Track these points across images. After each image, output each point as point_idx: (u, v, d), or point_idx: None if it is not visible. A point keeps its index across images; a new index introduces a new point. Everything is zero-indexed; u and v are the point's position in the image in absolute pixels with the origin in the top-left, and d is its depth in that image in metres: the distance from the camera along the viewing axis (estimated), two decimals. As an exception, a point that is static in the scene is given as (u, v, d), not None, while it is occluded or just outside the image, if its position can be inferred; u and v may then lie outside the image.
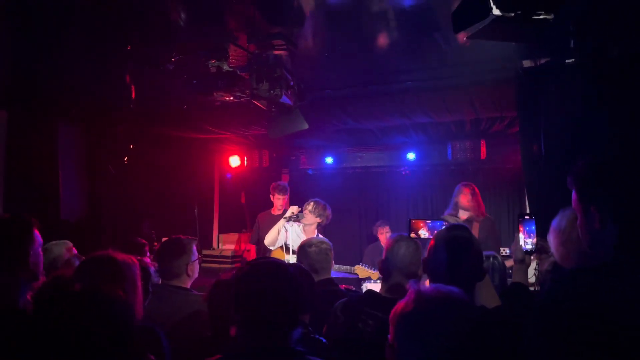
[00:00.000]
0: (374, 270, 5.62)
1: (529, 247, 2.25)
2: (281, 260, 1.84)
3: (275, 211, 5.86)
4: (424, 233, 2.56)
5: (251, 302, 1.63)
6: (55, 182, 5.18)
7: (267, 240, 5.05)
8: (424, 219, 2.68)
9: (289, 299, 1.64)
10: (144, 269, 2.28)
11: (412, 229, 2.57)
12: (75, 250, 3.61)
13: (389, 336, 1.43)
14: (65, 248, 3.54)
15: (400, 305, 1.42)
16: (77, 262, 3.44)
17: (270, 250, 5.27)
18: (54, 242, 3.59)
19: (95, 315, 1.43)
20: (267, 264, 1.76)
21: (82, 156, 5.64)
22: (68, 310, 1.44)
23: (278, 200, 5.86)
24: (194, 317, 2.70)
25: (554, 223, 2.20)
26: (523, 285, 2.19)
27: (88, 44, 3.99)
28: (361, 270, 5.56)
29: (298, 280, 1.70)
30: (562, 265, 2.16)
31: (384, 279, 2.45)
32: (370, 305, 2.24)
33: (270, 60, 3.88)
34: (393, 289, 2.36)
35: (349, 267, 5.56)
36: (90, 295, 1.52)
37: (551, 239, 2.23)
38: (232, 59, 4.07)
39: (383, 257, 2.46)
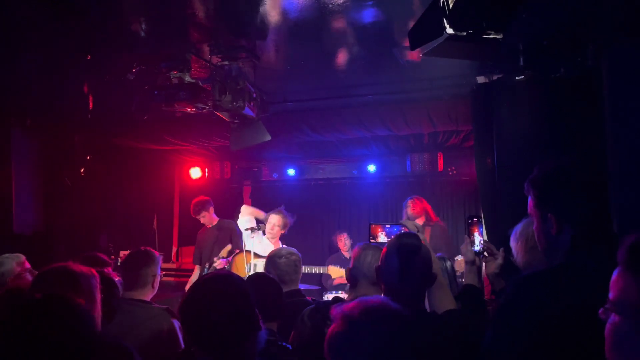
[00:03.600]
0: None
1: (477, 248, 2.27)
2: (227, 274, 1.83)
3: (210, 225, 5.94)
4: (382, 238, 2.62)
5: (198, 323, 1.63)
6: (8, 193, 5.02)
7: (246, 212, 5.20)
8: (383, 223, 2.74)
9: (236, 313, 1.63)
10: (109, 280, 2.24)
11: (371, 234, 2.63)
12: (28, 264, 3.50)
13: None
14: (15, 262, 3.41)
15: (330, 329, 1.41)
16: (29, 277, 3.34)
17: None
18: (5, 255, 3.47)
19: (55, 322, 1.38)
20: (210, 281, 1.73)
21: (37, 167, 5.47)
22: (26, 318, 1.38)
23: (203, 218, 5.90)
24: (156, 331, 2.67)
25: (519, 230, 2.22)
26: (475, 287, 2.22)
27: (45, 52, 3.92)
28: (334, 270, 5.64)
29: (243, 292, 1.69)
30: (524, 271, 2.22)
31: (351, 287, 2.49)
32: None
33: (233, 72, 3.90)
34: (360, 296, 2.42)
35: (322, 267, 5.63)
36: (50, 301, 1.46)
37: (515, 245, 2.25)
38: (194, 70, 4.07)
39: (351, 265, 2.51)
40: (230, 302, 1.65)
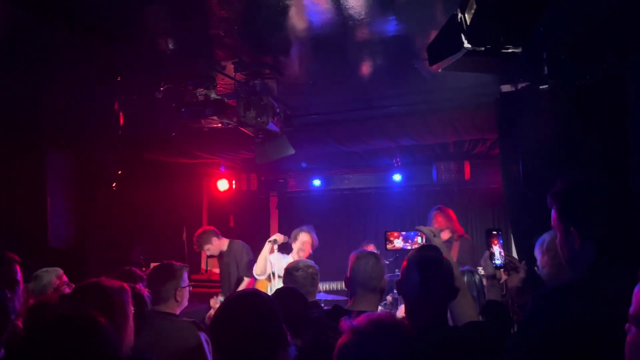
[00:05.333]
0: None
1: (498, 261, 2.23)
2: (254, 292, 1.87)
3: (219, 252, 5.71)
4: (399, 243, 2.61)
5: (227, 341, 1.68)
6: (43, 208, 5.20)
7: (257, 270, 4.97)
8: (399, 230, 2.73)
9: (263, 331, 1.67)
10: (138, 296, 2.31)
11: (387, 239, 2.62)
12: (65, 278, 3.64)
13: None
14: (55, 275, 3.56)
15: (340, 341, 1.45)
16: (67, 289, 3.48)
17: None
18: (43, 269, 3.62)
19: (76, 340, 1.42)
20: (238, 300, 1.78)
21: (70, 182, 5.66)
22: (45, 338, 1.42)
23: (208, 251, 5.64)
24: (182, 344, 2.72)
25: (548, 242, 2.19)
26: (499, 303, 2.18)
27: (77, 71, 4.07)
28: None
29: (271, 310, 1.73)
30: (547, 283, 2.19)
31: (350, 295, 2.53)
32: (335, 319, 2.32)
33: (257, 88, 3.98)
34: (358, 303, 2.45)
35: (335, 283, 5.61)
36: (68, 320, 1.50)
37: (541, 258, 2.24)
38: (219, 87, 4.17)
39: (348, 274, 2.54)
40: (258, 320, 1.69)
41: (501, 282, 2.27)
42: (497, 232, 2.29)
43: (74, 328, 1.46)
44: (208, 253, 5.68)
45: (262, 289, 4.89)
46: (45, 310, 2.38)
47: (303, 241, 4.93)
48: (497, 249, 2.25)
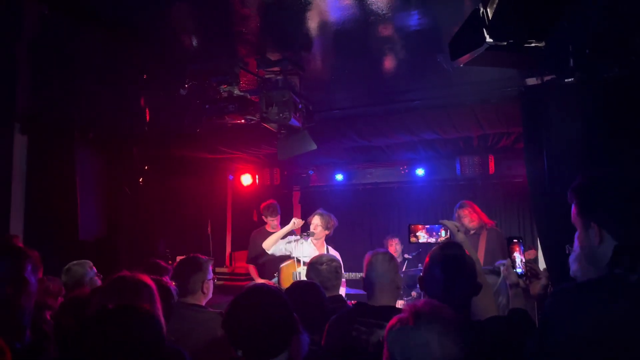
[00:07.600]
0: None
1: (520, 270, 2.21)
2: (263, 286, 1.92)
3: (270, 229, 5.94)
4: (423, 236, 2.60)
5: (240, 333, 1.77)
6: (73, 203, 5.34)
7: (266, 243, 5.17)
8: (423, 223, 2.72)
9: (274, 321, 1.76)
10: (165, 288, 2.38)
11: (411, 232, 2.61)
12: (95, 269, 3.76)
13: (384, 352, 1.49)
14: (88, 267, 3.69)
15: (394, 321, 1.48)
16: (98, 281, 3.59)
17: (276, 262, 5.40)
18: (74, 262, 3.74)
19: (133, 329, 1.57)
20: (249, 294, 1.85)
21: (99, 178, 5.81)
22: (110, 327, 1.57)
23: (271, 221, 5.97)
24: (210, 335, 2.79)
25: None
26: (522, 311, 2.16)
27: (104, 69, 4.17)
28: None
29: (281, 302, 1.82)
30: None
31: (368, 294, 2.54)
32: (360, 314, 2.34)
33: (279, 84, 4.01)
34: (378, 299, 2.46)
35: (358, 274, 5.65)
36: (126, 311, 1.64)
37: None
38: (242, 83, 4.21)
39: (364, 274, 2.56)
40: (269, 312, 1.78)
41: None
42: (518, 240, 2.27)
43: (134, 317, 1.60)
44: (270, 224, 5.98)
45: (288, 274, 5.02)
46: (81, 303, 2.45)
47: (314, 224, 5.03)
48: (518, 257, 2.24)
